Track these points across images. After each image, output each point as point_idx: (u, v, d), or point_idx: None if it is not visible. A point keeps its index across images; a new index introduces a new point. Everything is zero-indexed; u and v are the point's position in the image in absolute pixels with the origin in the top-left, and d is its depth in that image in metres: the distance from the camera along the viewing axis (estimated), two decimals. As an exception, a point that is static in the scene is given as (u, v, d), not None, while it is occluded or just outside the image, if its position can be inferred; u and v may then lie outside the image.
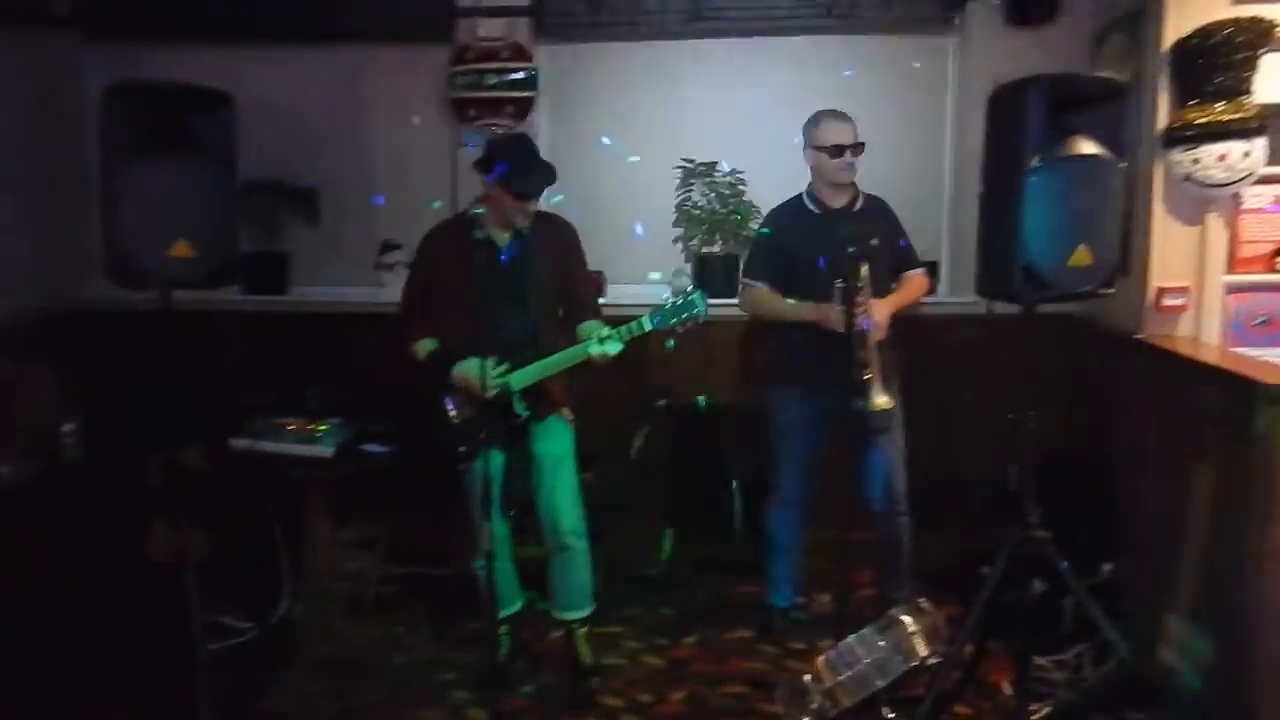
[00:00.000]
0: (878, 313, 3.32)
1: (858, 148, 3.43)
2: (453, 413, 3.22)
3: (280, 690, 3.35)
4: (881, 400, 3.27)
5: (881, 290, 3.42)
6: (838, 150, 3.41)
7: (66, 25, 4.56)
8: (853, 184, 3.55)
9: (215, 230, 2.89)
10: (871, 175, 3.62)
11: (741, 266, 3.94)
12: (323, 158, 4.60)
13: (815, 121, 3.48)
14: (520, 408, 3.19)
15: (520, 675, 3.45)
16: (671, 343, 3.04)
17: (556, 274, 3.27)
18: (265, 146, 4.21)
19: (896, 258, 3.56)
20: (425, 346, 3.28)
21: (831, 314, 3.29)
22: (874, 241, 3.33)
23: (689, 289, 3.05)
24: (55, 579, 3.56)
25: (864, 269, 3.21)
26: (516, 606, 3.51)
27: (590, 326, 3.18)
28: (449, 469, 3.71)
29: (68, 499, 3.80)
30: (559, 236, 3.34)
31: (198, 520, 3.25)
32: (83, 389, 4.15)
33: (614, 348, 3.04)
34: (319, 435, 3.45)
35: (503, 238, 3.21)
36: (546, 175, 3.19)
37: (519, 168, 3.12)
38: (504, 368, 3.12)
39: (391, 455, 3.53)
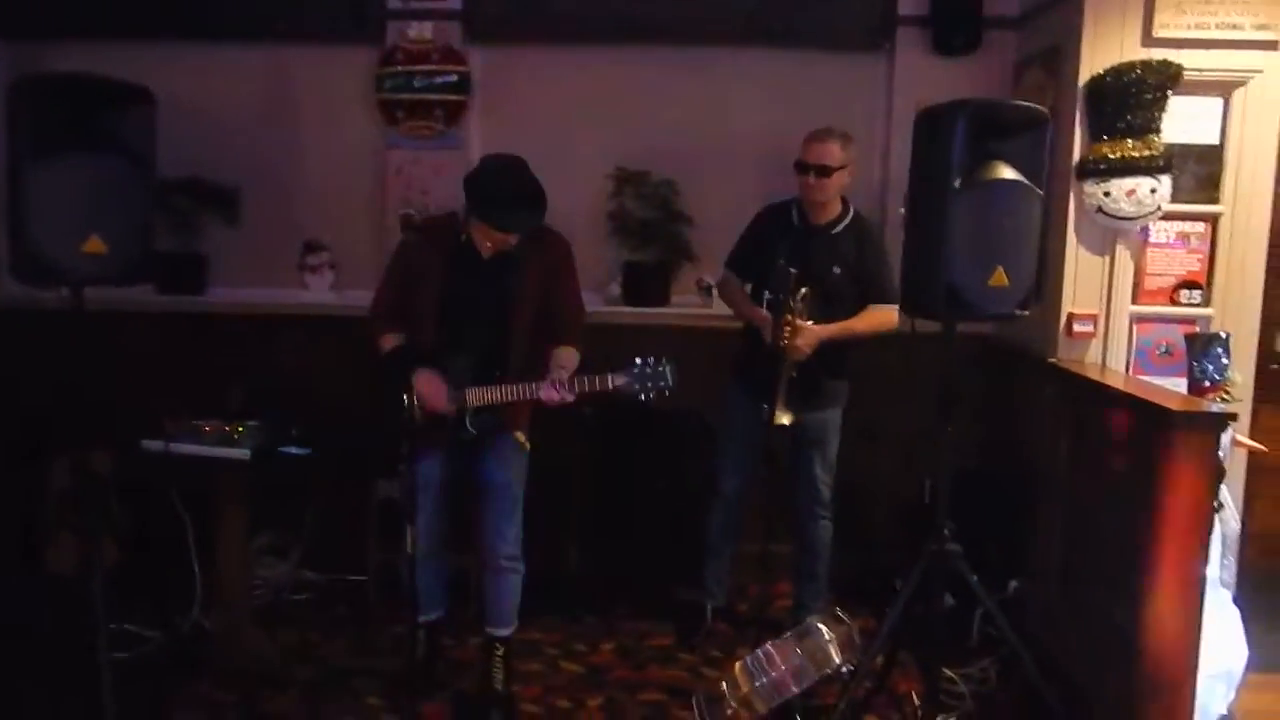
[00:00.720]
0: (804, 336, 3.34)
1: (821, 169, 3.41)
2: (409, 408, 3.09)
3: (190, 700, 3.26)
4: (782, 418, 3.35)
5: (830, 317, 3.43)
6: (801, 167, 3.46)
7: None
8: (842, 202, 3.56)
9: (130, 227, 2.80)
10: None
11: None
12: (246, 158, 4.48)
13: (805, 139, 3.51)
14: (471, 425, 3.09)
15: (436, 682, 3.42)
16: (644, 397, 2.97)
17: (539, 292, 3.15)
18: (186, 145, 4.09)
19: (867, 288, 3.51)
20: (390, 342, 3.17)
21: (766, 325, 3.36)
22: (835, 269, 3.39)
23: (663, 360, 2.98)
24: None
25: (803, 290, 3.29)
26: (438, 613, 3.47)
27: (560, 354, 3.10)
28: (368, 473, 3.70)
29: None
30: (549, 254, 3.18)
31: (104, 526, 3.14)
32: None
33: (566, 397, 2.98)
34: (236, 437, 3.35)
35: (486, 248, 3.11)
36: (532, 212, 3.01)
37: (501, 203, 2.98)
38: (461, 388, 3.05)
39: (310, 458, 3.45)
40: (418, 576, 3.15)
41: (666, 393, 2.96)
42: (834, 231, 3.51)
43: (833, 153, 3.42)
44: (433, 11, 4.40)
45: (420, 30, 4.42)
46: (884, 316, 3.45)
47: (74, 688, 2.94)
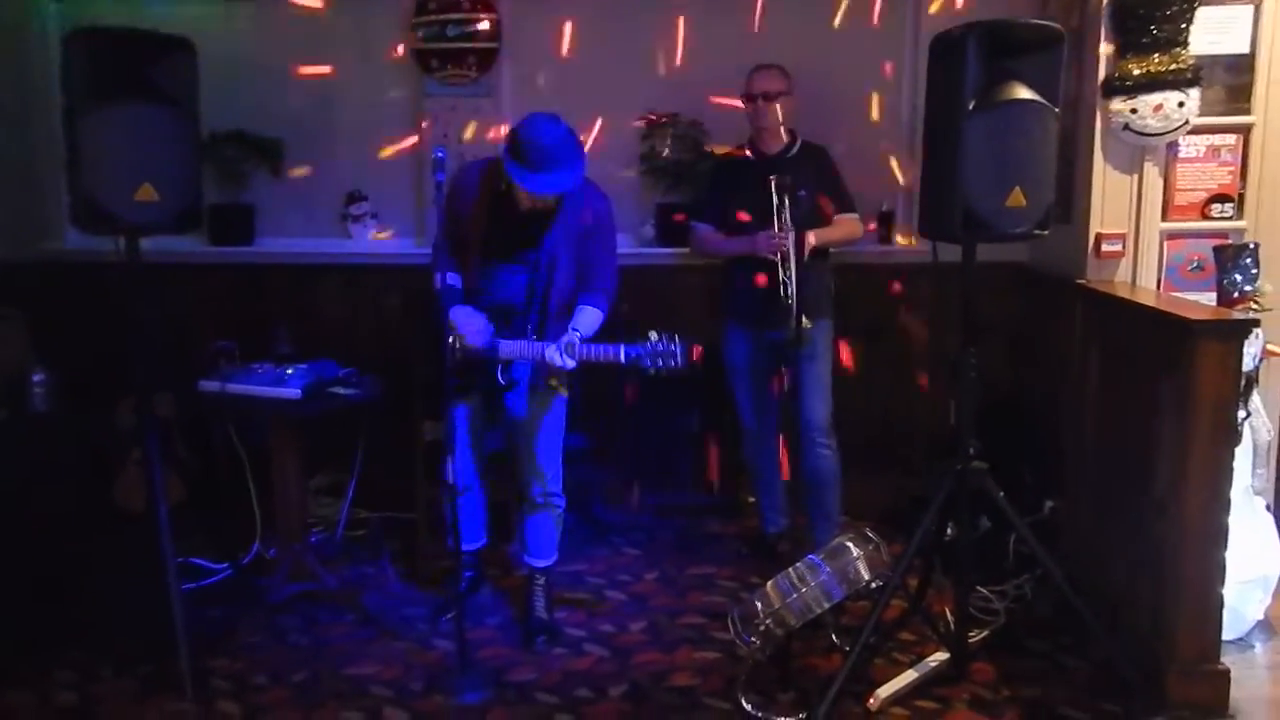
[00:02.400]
0: (803, 238, 3.47)
1: (770, 95, 3.67)
2: (452, 345, 3.16)
3: (254, 626, 3.46)
4: (807, 321, 3.42)
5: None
6: (750, 99, 3.73)
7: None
8: (790, 132, 3.79)
9: (179, 175, 2.95)
10: (833, 126, 3.74)
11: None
12: (288, 110, 4.62)
13: (748, 74, 3.77)
14: (503, 377, 3.18)
15: (483, 608, 3.58)
16: (651, 372, 3.00)
17: (574, 246, 3.18)
18: (228, 98, 4.25)
19: (831, 202, 3.73)
20: (444, 279, 3.16)
21: (759, 239, 3.55)
22: (801, 192, 3.42)
23: (675, 338, 2.99)
24: (26, 527, 3.64)
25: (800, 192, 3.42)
26: (481, 543, 3.63)
27: (582, 316, 3.15)
28: (414, 414, 3.83)
29: (37, 448, 3.88)
30: (586, 209, 3.19)
31: (169, 464, 3.32)
32: (51, 340, 4.22)
33: (567, 364, 3.02)
34: (287, 377, 3.51)
35: (524, 203, 3.14)
36: (563, 176, 3.02)
37: (535, 165, 2.99)
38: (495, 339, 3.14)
39: (358, 399, 3.60)
40: (458, 508, 3.29)
41: (677, 369, 2.99)
42: (788, 156, 3.74)
43: (775, 80, 3.70)
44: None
45: (451, -24, 4.49)
46: (850, 225, 3.80)
47: (148, 618, 3.12)
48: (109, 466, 3.92)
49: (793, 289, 3.36)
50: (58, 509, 3.68)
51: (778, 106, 3.68)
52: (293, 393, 3.46)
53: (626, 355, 3.01)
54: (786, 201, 3.41)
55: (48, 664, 3.19)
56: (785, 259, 3.40)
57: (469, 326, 3.15)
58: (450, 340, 3.11)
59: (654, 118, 4.49)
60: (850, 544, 3.13)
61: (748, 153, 3.83)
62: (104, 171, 2.82)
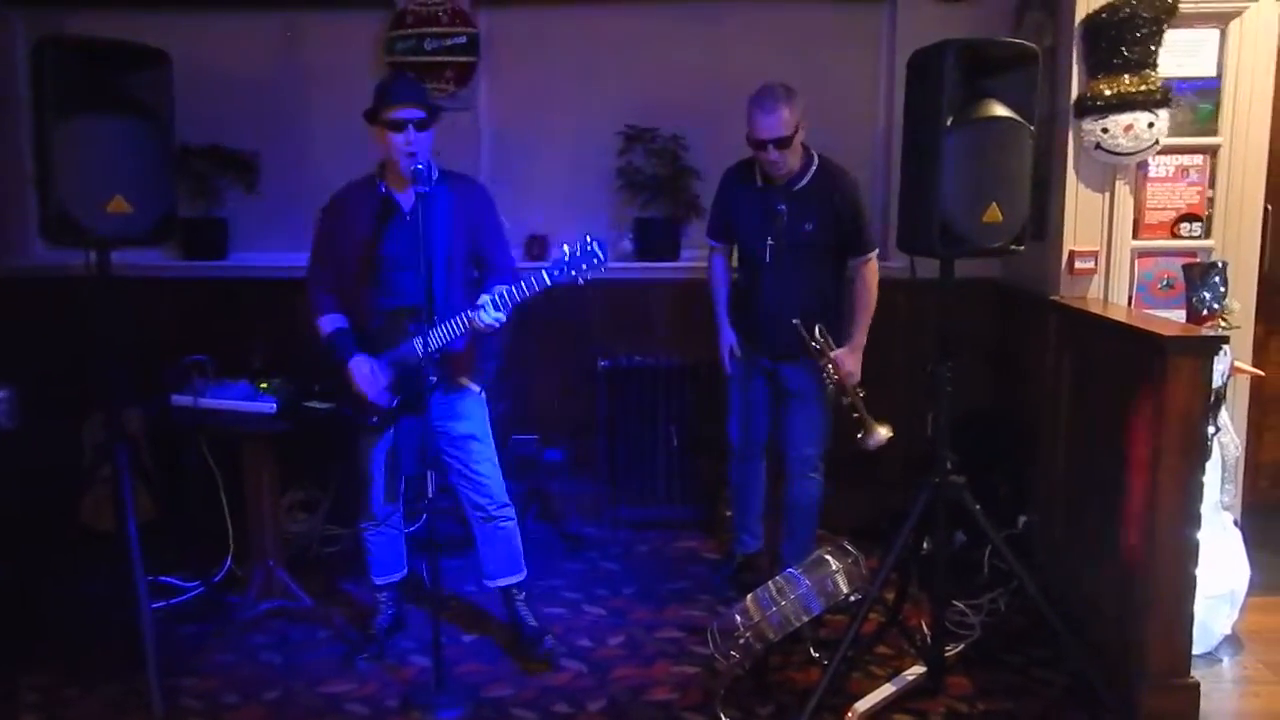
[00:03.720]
0: (847, 364, 3.47)
1: (781, 142, 3.29)
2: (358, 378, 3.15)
3: (225, 644, 3.41)
4: (883, 431, 3.41)
5: (808, 271, 3.45)
6: (758, 144, 3.34)
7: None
8: (804, 152, 3.45)
9: (152, 187, 2.94)
10: (809, 138, 3.71)
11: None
12: (263, 123, 4.60)
13: (748, 107, 3.35)
14: (435, 372, 3.10)
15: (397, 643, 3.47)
16: (581, 280, 2.95)
17: (466, 235, 3.16)
18: (205, 112, 4.22)
19: (844, 241, 3.49)
20: (331, 323, 3.21)
21: (723, 352, 3.68)
22: (807, 226, 3.39)
23: (588, 239, 2.95)
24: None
25: (817, 331, 3.43)
26: (400, 574, 3.50)
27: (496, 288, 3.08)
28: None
29: (2, 464, 3.81)
30: (469, 195, 3.21)
31: (138, 481, 3.27)
32: (17, 355, 4.15)
33: (498, 316, 2.97)
34: (261, 392, 3.48)
35: (406, 194, 3.09)
36: (409, 90, 3.07)
37: (378, 95, 3.05)
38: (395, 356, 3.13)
39: (332, 413, 3.57)
40: (371, 541, 3.35)
41: (602, 268, 2.95)
42: (797, 188, 3.43)
43: (784, 120, 3.28)
44: (443, -27, 4.48)
45: (430, -8, 4.49)
46: (872, 281, 3.54)
47: (116, 637, 3.08)
48: (76, 483, 3.86)
49: (861, 406, 3.42)
50: (24, 526, 3.61)
51: (790, 152, 3.35)
52: (267, 408, 3.43)
53: (550, 276, 2.94)
54: (818, 333, 3.43)
55: (13, 682, 3.13)
56: (841, 388, 3.45)
57: (367, 384, 3.13)
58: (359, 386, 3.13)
59: (632, 131, 4.51)
60: (829, 557, 3.15)
61: (757, 169, 3.50)
62: (75, 183, 2.79)
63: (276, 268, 4.53)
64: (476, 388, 3.32)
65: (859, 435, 3.41)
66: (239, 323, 4.41)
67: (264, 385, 3.52)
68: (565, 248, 2.95)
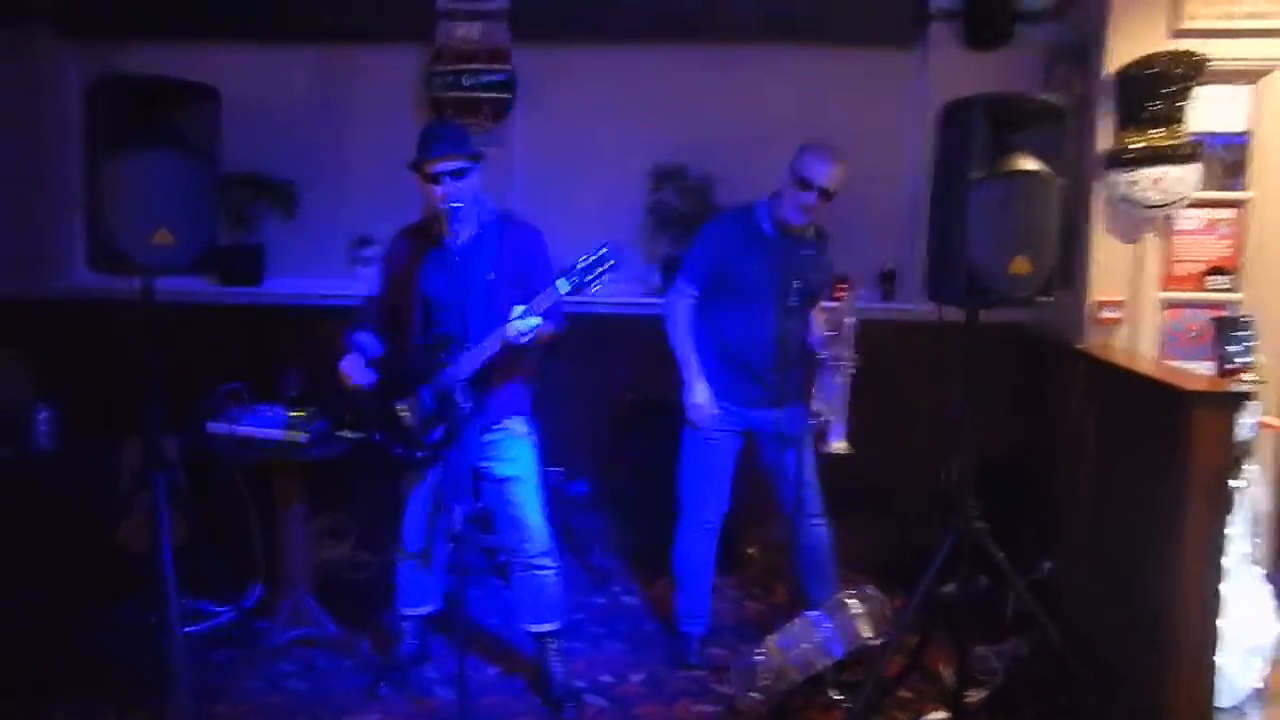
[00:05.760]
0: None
1: (826, 194, 3.31)
2: (405, 414, 3.20)
3: (253, 671, 3.45)
4: (840, 445, 3.34)
5: (805, 315, 3.46)
6: (807, 185, 3.31)
7: (44, 21, 4.62)
8: None
9: (196, 219, 3.00)
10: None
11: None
12: (300, 152, 4.71)
13: (807, 148, 3.36)
14: (466, 399, 3.09)
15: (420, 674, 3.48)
16: (597, 288, 2.96)
17: (513, 276, 3.16)
18: (242, 140, 4.30)
19: (823, 286, 3.54)
20: (353, 337, 3.27)
21: (703, 406, 3.44)
22: (816, 280, 3.41)
23: (601, 246, 2.95)
24: (27, 567, 3.64)
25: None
26: (429, 608, 3.49)
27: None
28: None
29: (41, 486, 3.88)
30: (520, 241, 3.22)
31: (174, 506, 3.33)
32: (59, 377, 4.24)
33: (531, 323, 2.96)
34: (295, 420, 3.54)
35: (453, 235, 3.06)
36: (449, 146, 3.07)
37: (419, 146, 3.09)
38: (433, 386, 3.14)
39: (363, 442, 3.62)
40: (404, 572, 3.38)
41: (614, 267, 2.95)
42: (808, 237, 3.43)
43: (839, 174, 3.33)
44: (480, 12, 4.58)
45: (468, 30, 4.59)
46: (851, 302, 3.48)
47: (148, 662, 3.12)
48: (112, 505, 3.92)
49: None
50: (60, 548, 3.68)
51: (827, 204, 3.36)
52: (301, 436, 3.49)
53: (570, 283, 2.95)
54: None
55: (47, 707, 3.17)
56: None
57: (351, 369, 3.19)
58: (404, 412, 3.18)
59: (662, 169, 4.57)
60: (852, 600, 3.16)
61: (763, 219, 3.46)
62: (123, 216, 2.86)
63: (312, 295, 4.63)
64: (523, 428, 3.30)
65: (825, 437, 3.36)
66: (273, 349, 4.48)
67: (298, 413, 3.57)
68: (581, 256, 2.95)
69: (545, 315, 3.01)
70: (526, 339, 2.98)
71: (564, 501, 4.53)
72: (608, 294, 4.49)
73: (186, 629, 3.30)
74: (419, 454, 3.20)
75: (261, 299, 4.69)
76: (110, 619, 3.67)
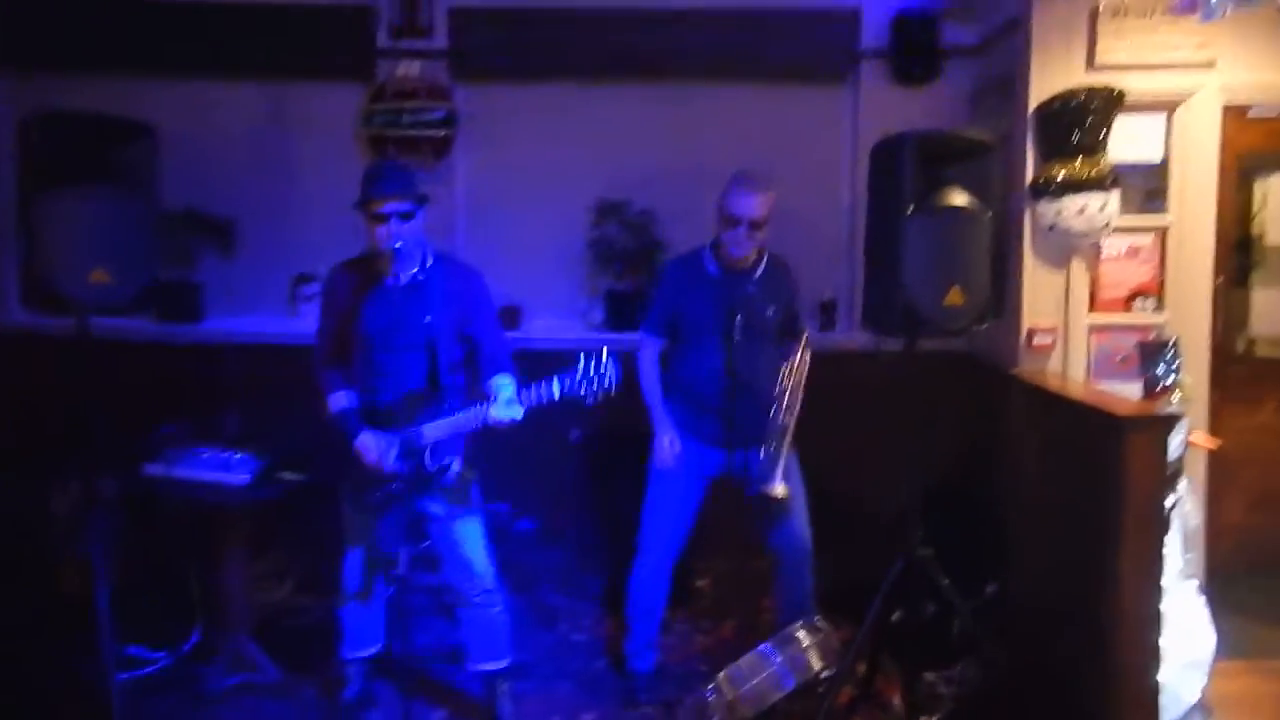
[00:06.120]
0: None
1: (755, 224, 3.31)
2: (367, 453, 3.13)
3: (195, 718, 3.36)
4: (778, 489, 3.34)
5: (768, 354, 3.46)
6: (733, 221, 3.32)
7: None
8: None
9: (134, 258, 2.97)
10: (775, 218, 3.81)
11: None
12: (241, 190, 4.66)
13: (729, 184, 3.37)
14: (430, 461, 3.09)
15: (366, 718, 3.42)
16: (591, 400, 2.92)
17: (456, 318, 3.16)
18: (181, 176, 4.26)
19: (788, 322, 3.55)
20: (336, 402, 3.22)
21: (668, 451, 3.44)
22: (769, 310, 3.41)
23: (604, 357, 2.92)
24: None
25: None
26: (374, 648, 3.44)
27: (500, 381, 3.10)
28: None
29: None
30: (461, 281, 3.21)
31: (109, 549, 3.25)
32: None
33: (515, 413, 2.97)
34: (235, 462, 3.48)
35: (394, 275, 3.12)
36: (396, 186, 3.04)
37: (365, 185, 3.06)
38: (401, 437, 3.09)
39: (303, 484, 3.57)
40: (347, 614, 3.32)
41: (613, 391, 2.92)
42: (758, 274, 3.45)
43: (764, 203, 3.32)
44: (421, 50, 4.61)
45: (409, 68, 4.61)
46: (805, 357, 3.50)
47: (83, 707, 3.02)
48: (48, 548, 3.81)
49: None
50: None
51: (760, 235, 3.37)
52: (240, 478, 3.43)
53: (561, 387, 2.94)
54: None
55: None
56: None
57: (374, 453, 3.10)
58: (366, 454, 3.10)
59: (605, 205, 4.61)
60: (800, 633, 3.18)
61: (708, 260, 3.47)
62: (59, 254, 2.83)
63: (252, 333, 4.57)
64: (467, 471, 3.26)
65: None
66: (212, 387, 4.41)
67: (237, 455, 3.51)
68: (581, 360, 2.93)
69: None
70: (503, 424, 2.99)
71: (510, 538, 4.49)
72: (549, 329, 4.57)
73: (124, 674, 3.21)
74: (374, 496, 3.16)
75: (201, 337, 4.61)
76: (47, 663, 3.53)
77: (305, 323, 4.59)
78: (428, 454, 3.08)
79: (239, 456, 3.51)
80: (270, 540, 4.15)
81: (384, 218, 3.03)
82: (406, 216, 3.06)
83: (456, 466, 3.21)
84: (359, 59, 4.60)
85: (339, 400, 3.22)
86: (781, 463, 3.34)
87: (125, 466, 3.55)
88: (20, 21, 4.51)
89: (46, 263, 2.82)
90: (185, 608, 3.79)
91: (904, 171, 2.83)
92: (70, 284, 2.83)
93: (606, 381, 2.91)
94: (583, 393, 2.92)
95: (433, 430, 3.06)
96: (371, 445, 3.09)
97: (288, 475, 3.57)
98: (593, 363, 2.92)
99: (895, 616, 3.26)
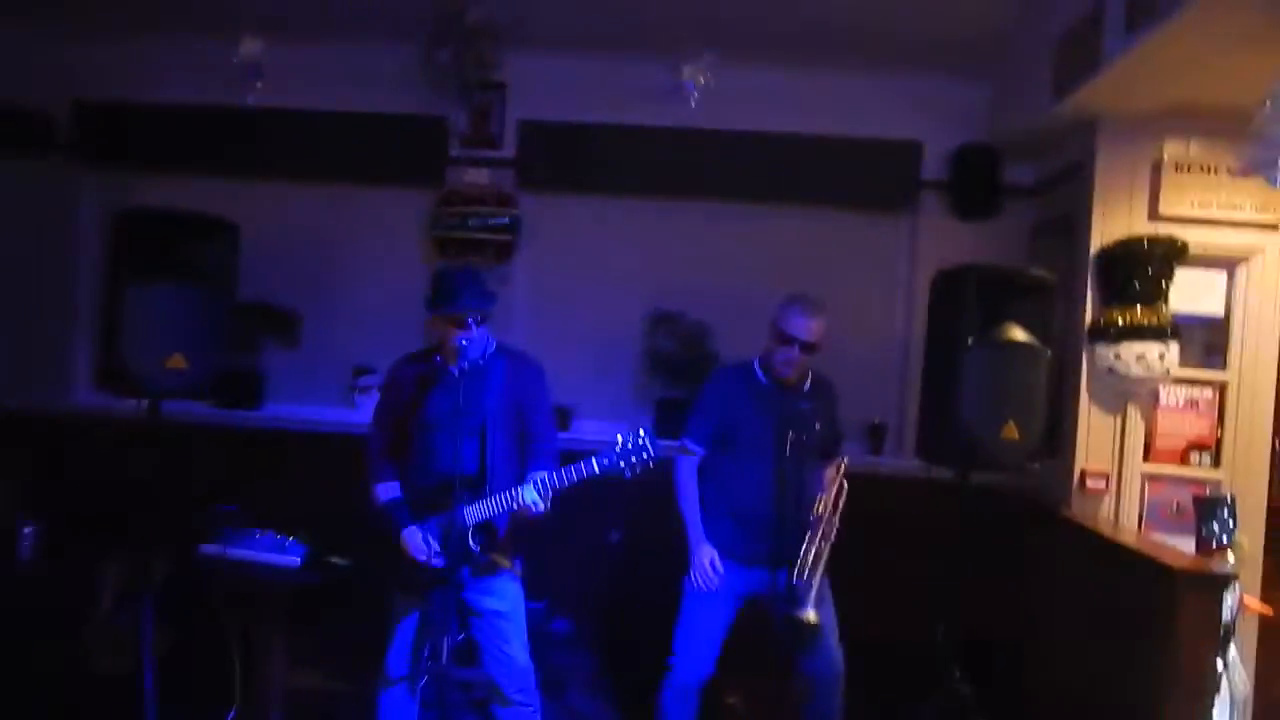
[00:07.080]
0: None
1: (809, 347, 3.35)
2: (414, 540, 3.18)
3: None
4: (811, 615, 3.28)
5: (814, 472, 3.45)
6: (787, 341, 3.36)
7: (66, 149, 4.78)
8: None
9: (209, 346, 3.11)
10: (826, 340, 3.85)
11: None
12: (305, 283, 4.82)
13: (786, 304, 3.42)
14: (473, 542, 3.12)
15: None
16: (629, 474, 2.98)
17: (513, 407, 3.22)
18: (252, 269, 4.42)
19: (829, 440, 3.53)
20: (386, 492, 3.28)
21: (706, 567, 3.42)
22: (817, 425, 3.37)
23: (641, 433, 2.97)
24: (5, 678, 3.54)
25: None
26: None
27: (539, 475, 3.10)
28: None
29: (22, 599, 3.82)
30: (520, 372, 3.28)
31: (157, 626, 3.29)
32: (48, 492, 4.22)
33: (540, 503, 3.02)
34: (288, 545, 3.54)
35: (459, 366, 3.15)
36: (476, 298, 3.15)
37: (446, 292, 3.15)
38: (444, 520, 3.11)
39: (352, 569, 3.61)
40: (386, 699, 3.29)
41: (651, 464, 2.97)
42: (806, 389, 3.48)
43: (820, 328, 3.36)
44: (489, 160, 4.78)
45: (476, 175, 4.79)
46: (843, 481, 3.48)
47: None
48: (90, 624, 3.85)
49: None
50: (38, 665, 3.59)
51: (812, 359, 3.40)
52: (292, 560, 3.48)
53: (600, 465, 2.97)
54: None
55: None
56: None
57: (419, 550, 3.15)
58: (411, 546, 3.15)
59: (659, 315, 4.69)
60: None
61: (758, 371, 3.52)
62: (139, 341, 2.96)
63: (310, 421, 4.67)
64: (509, 564, 3.31)
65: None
66: (269, 472, 4.48)
67: (290, 538, 3.57)
68: (619, 438, 2.98)
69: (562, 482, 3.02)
70: (535, 512, 3.03)
71: (545, 637, 4.46)
72: (599, 433, 4.59)
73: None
74: (424, 575, 3.16)
75: (260, 422, 4.71)
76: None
77: (361, 413, 4.70)
78: (470, 536, 3.10)
79: (290, 540, 3.56)
80: (310, 625, 4.16)
81: (464, 322, 3.12)
82: (483, 320, 3.17)
83: (504, 563, 3.25)
84: (430, 166, 4.78)
85: (389, 490, 3.28)
86: (815, 587, 3.30)
87: (181, 544, 3.61)
88: (112, 123, 4.74)
89: (125, 348, 2.94)
90: (225, 687, 3.80)
91: (966, 303, 2.88)
92: (147, 369, 2.95)
93: (645, 455, 2.97)
94: (621, 467, 2.96)
95: (474, 512, 3.10)
96: (418, 542, 3.14)
97: (336, 560, 3.61)
98: (632, 438, 2.97)
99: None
